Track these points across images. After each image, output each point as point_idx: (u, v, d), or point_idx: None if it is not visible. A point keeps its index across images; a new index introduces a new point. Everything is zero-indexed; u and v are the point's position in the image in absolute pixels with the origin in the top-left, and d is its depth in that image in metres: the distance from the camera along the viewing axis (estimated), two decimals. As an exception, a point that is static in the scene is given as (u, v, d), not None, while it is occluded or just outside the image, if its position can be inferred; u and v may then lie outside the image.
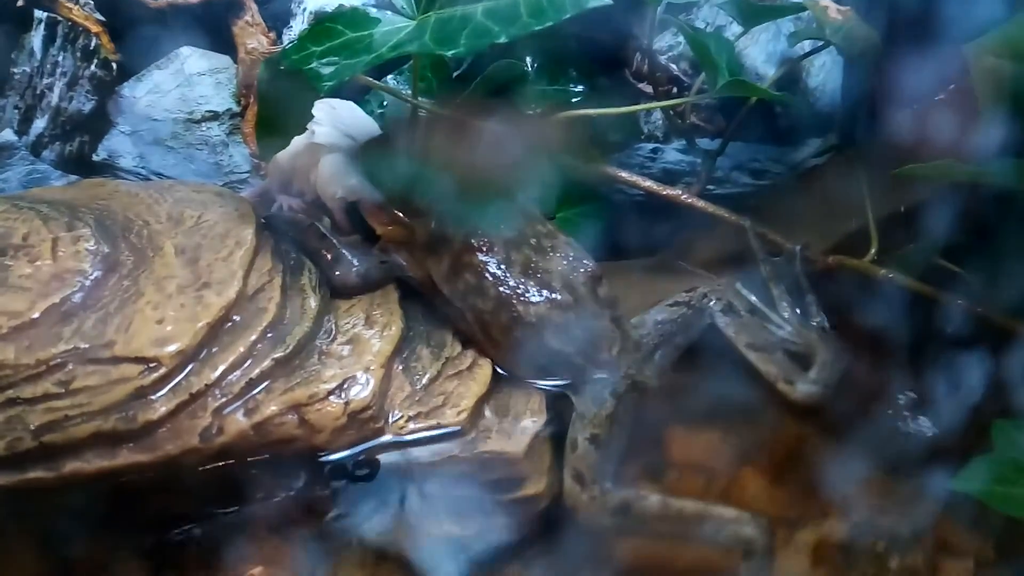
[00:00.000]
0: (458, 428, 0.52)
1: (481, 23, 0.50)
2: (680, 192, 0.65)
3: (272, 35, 0.67)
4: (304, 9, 0.67)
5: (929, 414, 0.54)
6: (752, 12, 0.64)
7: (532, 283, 0.54)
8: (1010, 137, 0.52)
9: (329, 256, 0.56)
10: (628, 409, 0.55)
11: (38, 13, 0.66)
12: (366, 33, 0.52)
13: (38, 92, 0.68)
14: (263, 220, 0.58)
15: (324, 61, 0.51)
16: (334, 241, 0.57)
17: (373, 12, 0.53)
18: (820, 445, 0.55)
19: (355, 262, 0.56)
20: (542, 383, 0.55)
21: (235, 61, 0.67)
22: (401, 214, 0.56)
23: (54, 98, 0.68)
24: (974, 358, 0.54)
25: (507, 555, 0.50)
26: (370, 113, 0.62)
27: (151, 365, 0.48)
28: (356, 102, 0.65)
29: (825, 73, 0.70)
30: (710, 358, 0.60)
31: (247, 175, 0.69)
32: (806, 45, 0.66)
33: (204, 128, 0.68)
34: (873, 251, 0.61)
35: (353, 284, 0.56)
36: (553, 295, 0.54)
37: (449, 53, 0.50)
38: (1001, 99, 0.50)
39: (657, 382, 0.57)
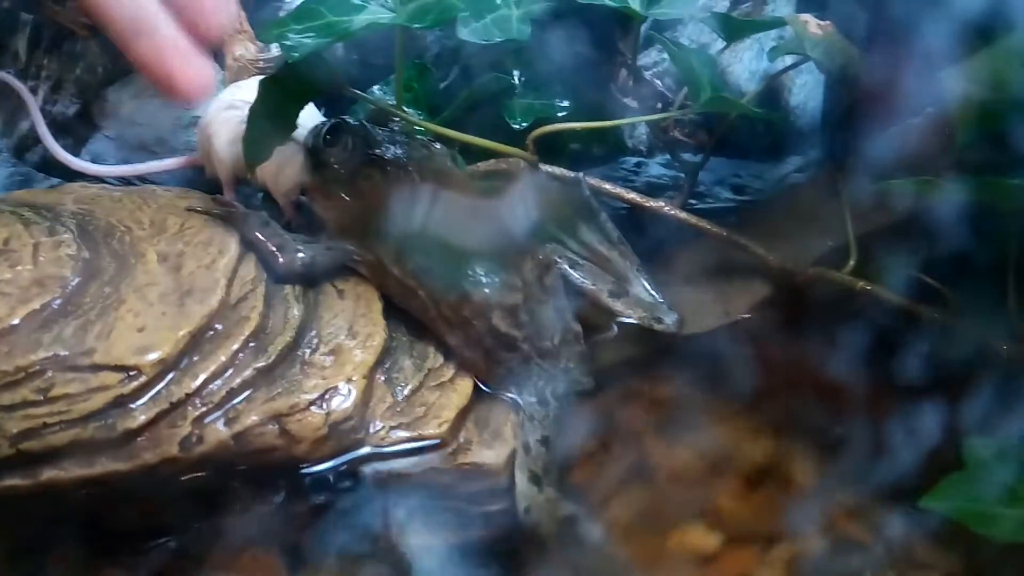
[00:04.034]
0: (439, 439, 0.52)
1: (450, 2, 0.55)
2: (663, 204, 0.65)
3: (260, 43, 0.67)
4: (292, 17, 0.67)
5: (901, 431, 0.55)
6: (734, 26, 0.64)
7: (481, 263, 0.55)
8: (983, 158, 0.53)
9: (272, 244, 0.55)
10: (568, 411, 0.56)
11: (24, 16, 0.66)
12: (346, 19, 0.54)
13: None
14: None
15: (299, 36, 0.54)
16: (277, 228, 0.56)
17: (358, 1, 0.56)
18: (796, 461, 0.56)
19: (300, 249, 0.56)
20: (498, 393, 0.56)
21: (222, 68, 0.67)
22: (348, 197, 0.56)
23: (39, 101, 0.67)
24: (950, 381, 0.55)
25: (487, 566, 0.50)
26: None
27: (131, 373, 0.48)
28: (342, 113, 0.65)
29: (806, 92, 0.71)
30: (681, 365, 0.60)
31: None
32: (788, 61, 0.67)
33: (190, 134, 0.68)
34: (852, 263, 0.61)
35: (299, 271, 0.55)
36: (501, 276, 0.55)
37: (416, 26, 0.54)
38: (976, 123, 0.51)
39: (593, 383, 0.58)
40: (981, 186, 0.52)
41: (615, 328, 0.62)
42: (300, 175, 0.59)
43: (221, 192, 0.63)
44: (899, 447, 0.53)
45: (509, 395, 0.56)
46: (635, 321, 0.62)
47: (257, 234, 0.56)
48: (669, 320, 0.62)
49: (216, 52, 0.65)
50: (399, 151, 0.57)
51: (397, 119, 0.59)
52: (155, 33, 0.57)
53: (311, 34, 0.53)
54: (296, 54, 0.53)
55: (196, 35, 0.58)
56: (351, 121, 0.57)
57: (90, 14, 0.55)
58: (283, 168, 0.59)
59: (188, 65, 0.58)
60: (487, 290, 0.54)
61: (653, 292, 0.63)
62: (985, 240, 0.54)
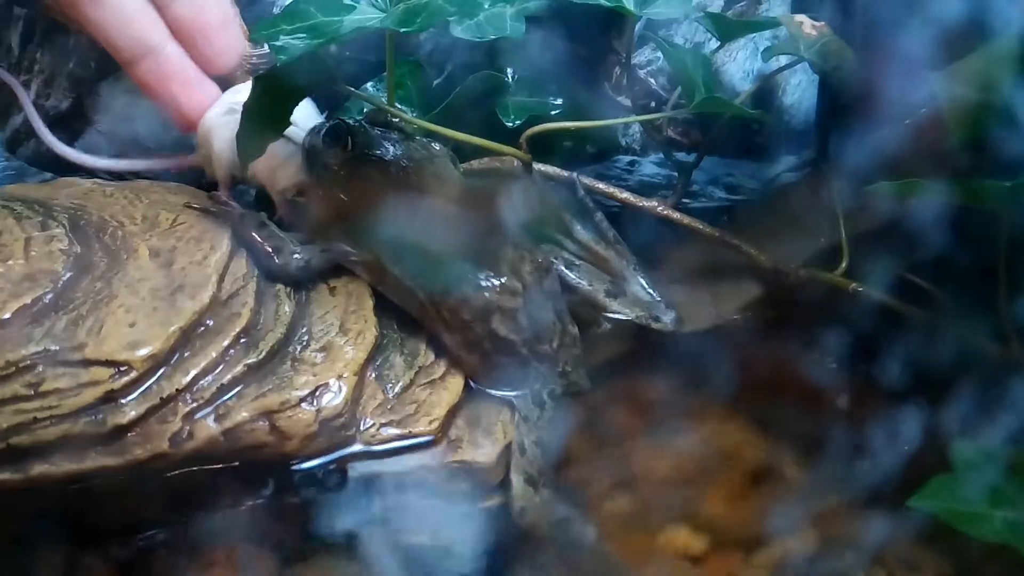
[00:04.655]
0: (430, 437, 0.52)
1: (439, 5, 0.54)
2: (656, 204, 0.66)
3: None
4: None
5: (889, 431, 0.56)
6: (728, 27, 0.65)
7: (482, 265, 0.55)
8: (975, 159, 0.53)
9: (268, 244, 0.55)
10: (563, 412, 0.56)
11: (17, 10, 0.66)
12: (336, 19, 0.54)
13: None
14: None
15: (290, 38, 0.53)
16: (274, 229, 0.56)
17: (348, 0, 0.55)
18: (784, 463, 0.56)
19: (297, 251, 0.56)
20: (492, 391, 0.56)
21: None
22: (347, 198, 0.56)
23: (31, 95, 0.67)
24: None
25: (477, 564, 0.51)
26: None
27: (122, 369, 0.48)
28: (335, 110, 0.65)
29: (800, 91, 0.71)
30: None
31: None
32: (782, 61, 0.67)
33: (182, 129, 0.68)
34: (844, 264, 0.62)
35: (294, 274, 0.55)
36: (502, 280, 0.55)
37: (402, 30, 0.53)
38: (967, 124, 0.51)
39: (590, 385, 0.58)
40: (972, 188, 0.52)
41: (605, 324, 0.62)
42: (297, 175, 0.59)
43: (213, 189, 0.63)
44: (888, 448, 0.53)
45: (504, 395, 0.56)
46: (633, 320, 0.62)
47: (254, 234, 0.56)
48: (667, 319, 0.62)
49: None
50: (399, 152, 0.56)
51: (397, 119, 0.59)
52: (158, 55, 0.57)
53: (301, 35, 0.53)
54: (284, 56, 0.52)
55: (205, 66, 0.58)
56: (350, 122, 0.57)
57: (94, 35, 0.56)
58: (280, 167, 0.59)
59: (192, 90, 0.58)
60: (487, 293, 0.54)
61: (651, 290, 0.63)
62: (975, 242, 0.55)
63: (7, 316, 0.49)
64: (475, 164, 0.65)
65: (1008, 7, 0.51)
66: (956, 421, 0.53)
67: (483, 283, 0.55)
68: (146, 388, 0.49)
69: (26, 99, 0.65)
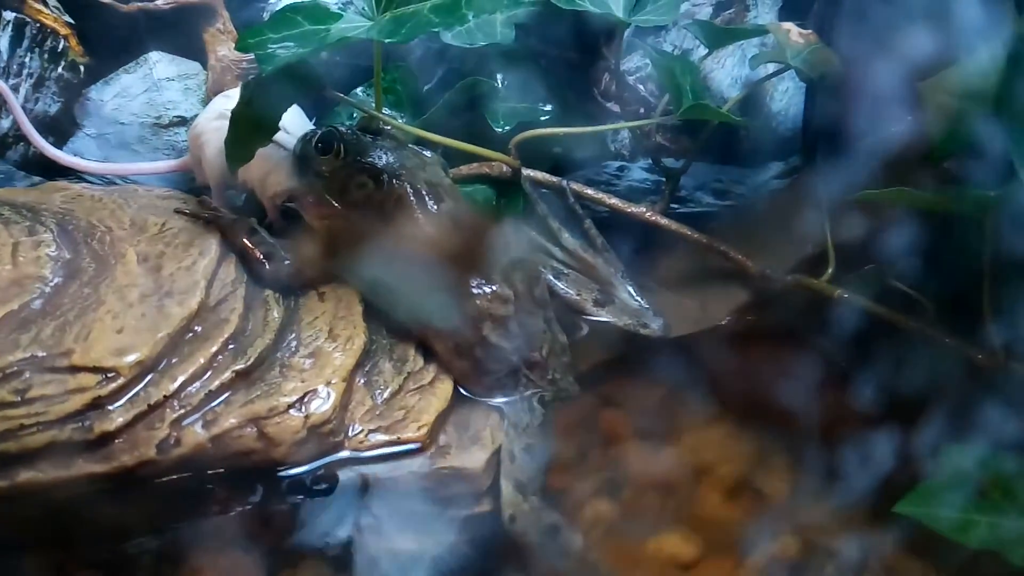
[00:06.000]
0: (418, 443, 0.52)
1: (425, 16, 0.54)
2: (644, 210, 0.66)
3: (242, 44, 0.66)
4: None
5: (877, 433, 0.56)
6: (717, 34, 0.65)
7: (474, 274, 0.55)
8: (959, 168, 0.53)
9: (259, 251, 0.55)
10: (552, 418, 0.56)
11: (6, 14, 0.66)
12: (323, 27, 0.54)
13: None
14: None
15: (277, 47, 0.53)
16: (265, 235, 0.56)
17: (335, 8, 0.55)
18: (776, 463, 0.56)
19: (288, 258, 0.56)
20: (483, 398, 0.56)
21: (204, 68, 0.67)
22: (339, 205, 0.56)
23: (20, 99, 0.67)
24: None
25: (466, 570, 0.51)
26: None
27: (109, 375, 0.48)
28: (325, 115, 0.65)
29: (788, 98, 0.71)
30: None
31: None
32: (770, 68, 0.67)
33: (171, 133, 0.68)
34: (830, 271, 0.62)
35: (285, 281, 0.56)
36: (493, 287, 0.55)
37: (387, 41, 0.53)
38: (951, 133, 0.52)
39: (579, 391, 0.58)
40: (957, 197, 0.52)
41: (591, 329, 0.62)
42: (288, 181, 0.59)
43: (203, 193, 0.63)
44: (873, 455, 0.54)
45: (494, 403, 0.56)
46: (621, 327, 0.62)
47: (244, 241, 0.56)
48: (655, 325, 0.63)
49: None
50: (392, 159, 0.56)
51: (388, 127, 0.59)
52: None
53: (289, 43, 0.53)
54: (269, 67, 0.52)
55: None
56: (342, 129, 0.57)
57: None
58: (271, 173, 0.59)
59: None
60: (479, 300, 0.55)
61: (638, 298, 0.64)
62: (960, 250, 0.55)
63: (-6, 322, 0.49)
64: (464, 170, 0.65)
65: (991, 20, 0.51)
66: (942, 428, 0.53)
67: (475, 290, 0.55)
68: (133, 395, 0.49)
69: (15, 103, 0.65)
